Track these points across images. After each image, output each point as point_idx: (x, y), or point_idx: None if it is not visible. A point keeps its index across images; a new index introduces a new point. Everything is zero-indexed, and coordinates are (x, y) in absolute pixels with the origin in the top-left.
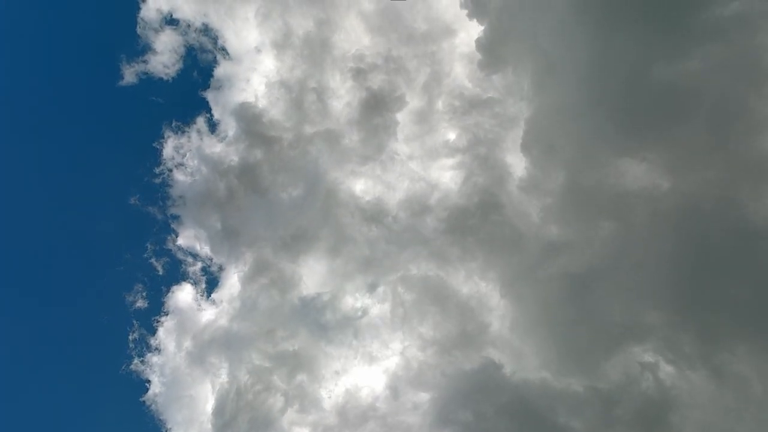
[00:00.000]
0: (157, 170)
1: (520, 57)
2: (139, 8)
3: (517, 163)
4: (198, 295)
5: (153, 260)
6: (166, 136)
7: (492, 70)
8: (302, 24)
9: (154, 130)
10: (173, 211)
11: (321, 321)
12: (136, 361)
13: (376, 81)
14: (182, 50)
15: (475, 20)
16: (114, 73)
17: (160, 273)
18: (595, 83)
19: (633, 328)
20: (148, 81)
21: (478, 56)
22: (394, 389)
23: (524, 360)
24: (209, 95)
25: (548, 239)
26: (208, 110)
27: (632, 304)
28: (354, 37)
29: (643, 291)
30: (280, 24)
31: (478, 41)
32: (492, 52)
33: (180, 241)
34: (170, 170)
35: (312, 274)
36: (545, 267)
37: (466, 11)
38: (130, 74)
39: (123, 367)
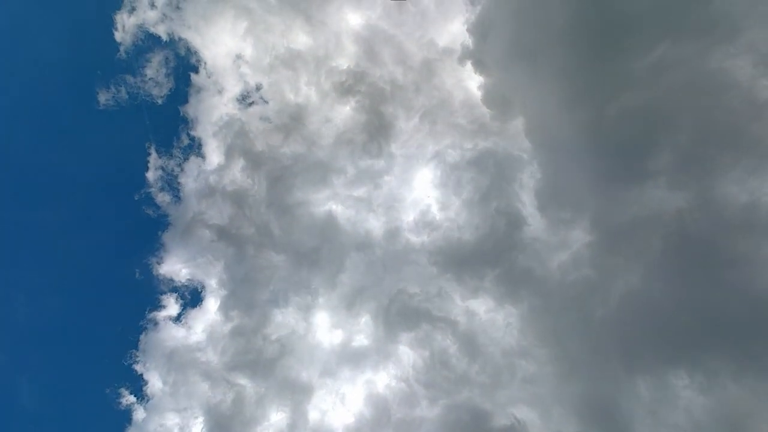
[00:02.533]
0: (138, 193)
1: (520, 104)
2: (115, 27)
3: (522, 198)
4: (180, 323)
5: (137, 284)
6: (148, 156)
7: (502, 122)
8: (292, 41)
9: (135, 150)
10: (156, 233)
11: (310, 354)
12: (117, 389)
13: (375, 104)
14: (163, 68)
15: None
16: (92, 93)
17: (143, 296)
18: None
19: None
20: (129, 100)
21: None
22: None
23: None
24: (191, 113)
25: (562, 281)
26: (189, 129)
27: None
28: (348, 56)
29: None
30: (264, 40)
31: (485, 96)
32: (500, 106)
33: (166, 265)
34: (153, 191)
35: (301, 307)
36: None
37: (468, 64)
38: (108, 95)
39: (103, 397)
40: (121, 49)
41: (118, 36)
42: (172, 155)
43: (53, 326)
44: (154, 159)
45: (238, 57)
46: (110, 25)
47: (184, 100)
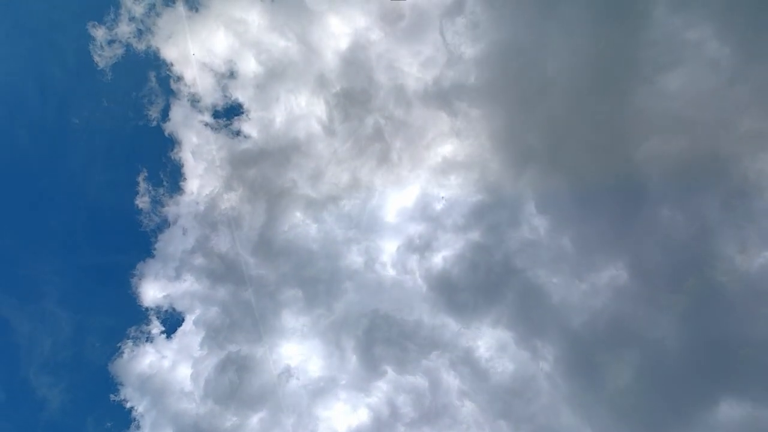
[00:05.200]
0: (124, 217)
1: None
2: (92, 40)
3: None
4: (162, 352)
5: (122, 311)
6: (136, 179)
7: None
8: (281, 58)
9: (123, 172)
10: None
11: (301, 384)
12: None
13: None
14: (144, 86)
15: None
16: (68, 113)
17: (128, 323)
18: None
19: None
20: (111, 121)
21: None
22: None
23: None
24: (173, 134)
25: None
26: (171, 151)
27: None
28: (339, 76)
29: None
30: (250, 56)
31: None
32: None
33: (152, 291)
34: (139, 216)
35: (289, 338)
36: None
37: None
38: (86, 115)
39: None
40: (100, 67)
41: (97, 56)
42: (158, 179)
43: (37, 352)
44: (141, 181)
45: (224, 75)
46: (87, 42)
47: (167, 120)
